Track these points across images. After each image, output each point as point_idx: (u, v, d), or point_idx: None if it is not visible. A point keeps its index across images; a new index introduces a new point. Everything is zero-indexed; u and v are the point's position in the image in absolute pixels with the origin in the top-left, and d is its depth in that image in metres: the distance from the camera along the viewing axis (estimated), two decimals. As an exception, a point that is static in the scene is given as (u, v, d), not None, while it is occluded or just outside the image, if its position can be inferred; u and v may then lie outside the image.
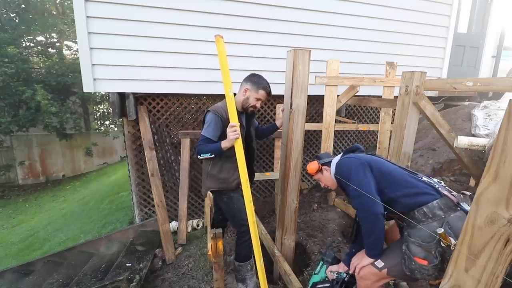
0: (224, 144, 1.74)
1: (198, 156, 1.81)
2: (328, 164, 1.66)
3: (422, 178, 1.38)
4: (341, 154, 1.65)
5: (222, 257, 1.80)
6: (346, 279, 1.57)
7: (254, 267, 2.09)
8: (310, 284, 1.77)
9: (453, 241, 1.15)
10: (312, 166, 1.70)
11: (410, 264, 1.27)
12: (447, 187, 1.37)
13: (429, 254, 1.22)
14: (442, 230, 1.16)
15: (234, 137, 1.65)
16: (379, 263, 1.37)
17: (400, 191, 1.33)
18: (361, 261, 1.44)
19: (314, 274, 1.80)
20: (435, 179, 1.41)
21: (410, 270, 1.28)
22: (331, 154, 1.86)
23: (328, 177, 1.66)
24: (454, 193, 1.32)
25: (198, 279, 2.48)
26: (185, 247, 3.05)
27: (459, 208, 1.25)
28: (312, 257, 2.54)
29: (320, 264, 1.80)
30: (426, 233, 1.24)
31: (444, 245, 1.18)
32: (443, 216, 1.24)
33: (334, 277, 1.61)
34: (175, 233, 3.26)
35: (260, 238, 2.33)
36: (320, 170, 1.70)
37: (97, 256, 3.07)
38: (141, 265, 2.63)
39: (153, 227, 3.29)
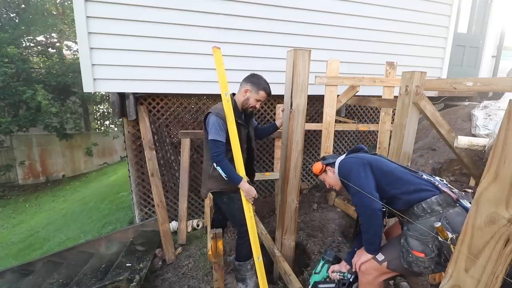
0: (243, 185, 1.82)
1: (215, 165, 1.83)
2: (332, 164, 1.71)
3: (422, 176, 1.42)
4: (345, 154, 1.71)
5: (222, 257, 1.80)
6: (351, 279, 1.57)
7: (254, 267, 2.09)
8: (311, 284, 1.76)
9: (449, 234, 1.18)
10: (317, 166, 1.77)
11: (407, 257, 1.31)
12: (448, 185, 1.39)
13: (426, 247, 1.26)
14: (440, 224, 1.20)
15: (250, 197, 1.84)
16: (380, 256, 1.41)
17: (400, 188, 1.38)
18: (361, 257, 1.47)
19: (315, 273, 1.79)
20: (437, 177, 1.44)
21: (408, 263, 1.31)
22: (333, 154, 1.93)
23: (332, 177, 1.72)
24: (455, 190, 1.35)
25: (198, 279, 2.48)
26: (185, 247, 3.05)
27: (458, 204, 1.28)
28: (312, 257, 2.54)
29: (321, 263, 1.79)
30: (424, 228, 1.28)
31: (441, 239, 1.21)
32: (441, 212, 1.27)
33: (338, 278, 1.62)
34: (175, 233, 3.26)
35: (260, 238, 2.33)
36: (324, 170, 1.75)
37: (97, 256, 3.07)
38: (141, 265, 2.63)
39: (153, 227, 3.29)
